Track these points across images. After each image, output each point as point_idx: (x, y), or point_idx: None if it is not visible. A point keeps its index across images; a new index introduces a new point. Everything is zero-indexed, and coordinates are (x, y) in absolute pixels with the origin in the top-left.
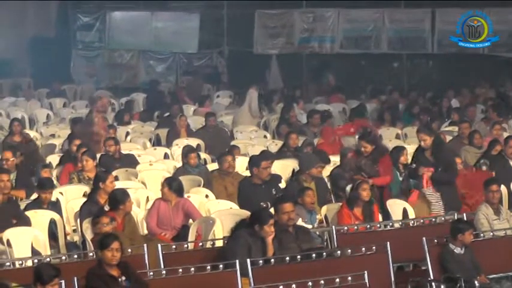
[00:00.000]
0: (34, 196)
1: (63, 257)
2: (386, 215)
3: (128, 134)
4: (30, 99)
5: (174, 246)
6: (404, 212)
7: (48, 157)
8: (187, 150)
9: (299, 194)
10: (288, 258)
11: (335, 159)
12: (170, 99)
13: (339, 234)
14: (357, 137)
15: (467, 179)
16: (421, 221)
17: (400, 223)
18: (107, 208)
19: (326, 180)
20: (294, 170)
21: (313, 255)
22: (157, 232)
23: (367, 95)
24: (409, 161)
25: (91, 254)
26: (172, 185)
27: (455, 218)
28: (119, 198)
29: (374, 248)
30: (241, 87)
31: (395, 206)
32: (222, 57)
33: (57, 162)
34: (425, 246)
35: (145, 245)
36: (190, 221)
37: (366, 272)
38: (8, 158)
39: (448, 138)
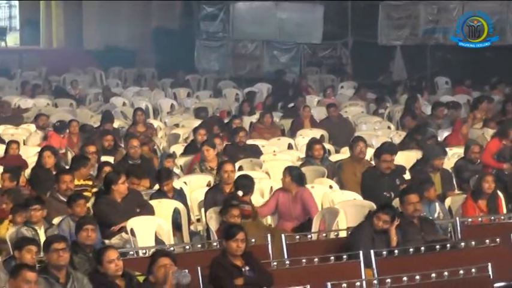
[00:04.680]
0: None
1: (187, 247)
2: None
3: (251, 124)
4: (154, 89)
5: (297, 237)
6: None
7: (172, 147)
8: (311, 142)
9: (419, 188)
10: (411, 249)
11: (459, 151)
12: (293, 89)
13: (463, 226)
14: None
15: None
16: None
17: None
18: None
19: (450, 171)
20: (417, 160)
21: (437, 246)
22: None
23: (491, 86)
24: None
25: (215, 243)
26: (293, 174)
27: None
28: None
29: (498, 240)
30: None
31: None
32: (346, 48)
33: (181, 152)
34: None
35: (269, 235)
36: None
37: (489, 264)
38: (133, 145)
39: None
